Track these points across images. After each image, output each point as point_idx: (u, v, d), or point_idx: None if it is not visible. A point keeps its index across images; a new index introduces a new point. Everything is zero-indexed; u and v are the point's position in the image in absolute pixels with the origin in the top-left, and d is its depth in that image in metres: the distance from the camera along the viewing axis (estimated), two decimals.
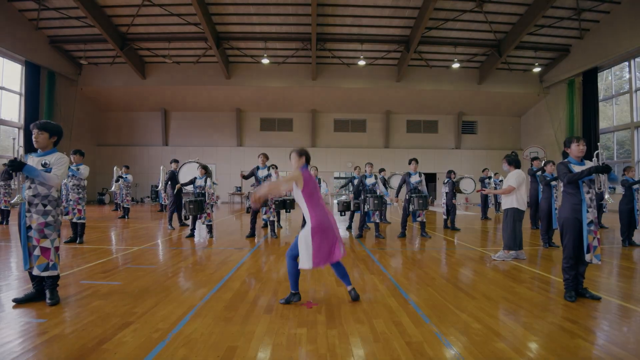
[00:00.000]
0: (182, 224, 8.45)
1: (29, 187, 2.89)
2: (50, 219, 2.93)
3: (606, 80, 17.28)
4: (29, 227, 2.90)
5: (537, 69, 18.28)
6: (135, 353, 2.09)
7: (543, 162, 6.53)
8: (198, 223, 6.97)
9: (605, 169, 3.02)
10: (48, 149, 3.00)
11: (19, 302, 2.95)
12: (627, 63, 15.71)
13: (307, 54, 17.26)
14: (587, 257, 3.12)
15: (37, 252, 2.89)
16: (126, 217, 10.69)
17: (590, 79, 16.86)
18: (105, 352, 2.10)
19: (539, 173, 6.54)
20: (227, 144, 21.31)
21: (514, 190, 4.66)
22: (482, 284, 3.69)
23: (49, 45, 16.74)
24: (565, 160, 3.34)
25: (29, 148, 14.85)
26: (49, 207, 2.93)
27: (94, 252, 5.29)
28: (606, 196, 3.39)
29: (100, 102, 20.55)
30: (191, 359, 2.02)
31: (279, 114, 21.43)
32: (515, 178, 4.64)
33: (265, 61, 17.18)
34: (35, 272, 2.89)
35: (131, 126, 21.51)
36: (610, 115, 17.21)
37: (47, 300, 2.93)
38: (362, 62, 17.13)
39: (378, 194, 6.74)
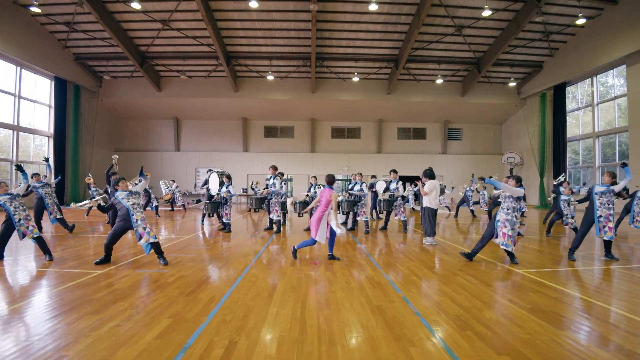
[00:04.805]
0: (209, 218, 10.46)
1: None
2: None
3: (574, 93, 19.35)
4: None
5: (512, 84, 20.35)
6: (228, 282, 4.13)
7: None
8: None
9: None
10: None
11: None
12: (589, 79, 17.81)
13: (307, 70, 19.32)
14: (496, 240, 5.13)
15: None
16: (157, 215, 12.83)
17: (559, 92, 18.92)
18: (212, 281, 4.14)
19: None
20: (233, 150, 23.26)
21: (427, 195, 6.79)
22: (422, 255, 5.76)
23: (74, 61, 18.68)
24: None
25: (59, 155, 16.68)
26: None
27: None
28: None
29: (118, 112, 22.47)
30: (258, 283, 4.06)
31: (281, 122, 23.41)
32: (428, 186, 6.79)
33: (270, 77, 19.20)
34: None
35: (146, 133, 23.43)
36: (583, 122, 18.93)
37: (161, 262, 4.95)
38: (356, 78, 19.19)
39: (354, 197, 8.64)
